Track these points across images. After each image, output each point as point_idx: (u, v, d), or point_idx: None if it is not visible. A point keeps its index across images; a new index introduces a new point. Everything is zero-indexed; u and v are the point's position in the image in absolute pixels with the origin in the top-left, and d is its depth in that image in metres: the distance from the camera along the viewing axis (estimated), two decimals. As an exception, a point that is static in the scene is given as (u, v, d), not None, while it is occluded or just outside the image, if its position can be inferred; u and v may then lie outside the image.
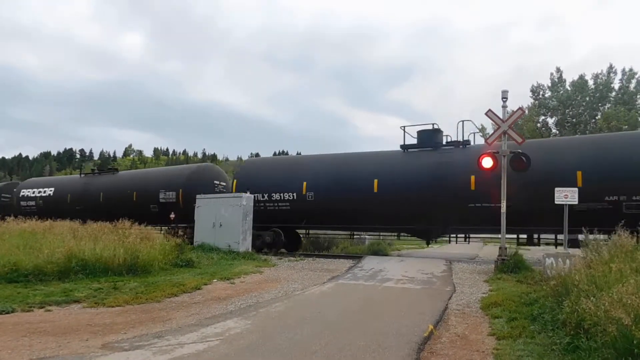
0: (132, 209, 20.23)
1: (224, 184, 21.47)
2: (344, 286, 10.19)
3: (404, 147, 16.87)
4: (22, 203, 27.09)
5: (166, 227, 20.08)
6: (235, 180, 19.34)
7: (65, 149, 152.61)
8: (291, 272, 12.27)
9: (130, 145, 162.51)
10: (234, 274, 11.42)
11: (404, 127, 17.05)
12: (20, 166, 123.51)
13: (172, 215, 19.52)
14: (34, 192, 27.03)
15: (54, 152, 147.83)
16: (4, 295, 7.80)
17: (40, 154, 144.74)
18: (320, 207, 16.76)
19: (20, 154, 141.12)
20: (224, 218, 16.11)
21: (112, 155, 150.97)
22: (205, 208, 16.74)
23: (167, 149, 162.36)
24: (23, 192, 27.59)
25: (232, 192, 18.52)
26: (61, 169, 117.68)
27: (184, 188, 19.82)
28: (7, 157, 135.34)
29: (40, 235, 12.73)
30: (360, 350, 5.12)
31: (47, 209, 24.52)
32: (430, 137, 16.51)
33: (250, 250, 16.07)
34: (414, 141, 16.85)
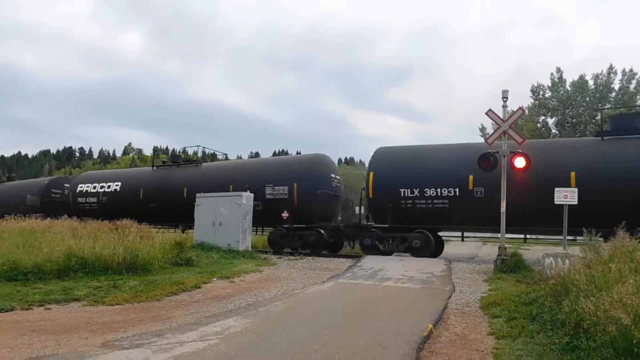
0: None
1: (339, 177, 19.17)
2: (344, 285, 10.20)
3: (601, 134, 14.53)
4: (80, 200, 23.89)
5: (273, 228, 18.27)
6: (371, 174, 16.35)
7: (64, 147, 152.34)
8: (291, 271, 12.27)
9: (129, 144, 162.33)
10: (233, 272, 11.43)
11: (601, 108, 15.27)
12: (19, 164, 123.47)
13: (285, 214, 17.07)
14: (95, 187, 23.65)
15: (53, 151, 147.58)
16: (4, 294, 7.81)
17: (40, 152, 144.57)
18: (492, 205, 13.64)
19: (19, 152, 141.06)
20: (224, 217, 16.10)
21: (111, 153, 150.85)
22: (205, 207, 16.70)
23: (167, 148, 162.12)
24: (81, 187, 24.22)
25: (368, 187, 16.25)
26: (60, 168, 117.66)
27: (300, 182, 17.20)
28: (6, 156, 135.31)
29: (39, 234, 12.74)
30: (359, 349, 5.13)
31: (112, 207, 21.78)
32: (634, 123, 14.11)
33: (250, 249, 16.07)
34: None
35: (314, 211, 17.31)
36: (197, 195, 17.38)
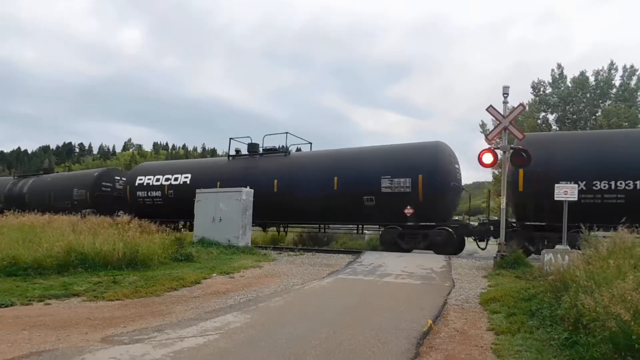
0: (330, 200, 16.11)
1: (458, 166, 17.16)
2: (344, 281, 10.20)
3: None
4: (140, 194, 21.19)
5: (381, 226, 16.41)
6: None
7: (64, 142, 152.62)
8: (291, 267, 12.28)
9: (129, 140, 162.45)
10: (233, 268, 11.44)
11: None
12: (19, 160, 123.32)
13: (409, 210, 15.24)
14: (158, 180, 20.78)
15: (52, 146, 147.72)
16: (4, 289, 7.81)
17: (39, 147, 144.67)
18: None
19: (19, 148, 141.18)
20: (224, 212, 16.10)
21: (111, 149, 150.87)
22: (205, 202, 16.70)
23: (167, 144, 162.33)
24: (140, 179, 21.44)
25: (517, 179, 13.94)
26: (60, 163, 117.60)
27: (425, 174, 15.20)
28: (5, 151, 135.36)
29: (39, 229, 12.75)
30: (359, 345, 5.13)
31: (180, 202, 19.23)
32: None
33: (249, 244, 16.07)
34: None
35: (441, 207, 15.56)
36: (197, 190, 17.35)
